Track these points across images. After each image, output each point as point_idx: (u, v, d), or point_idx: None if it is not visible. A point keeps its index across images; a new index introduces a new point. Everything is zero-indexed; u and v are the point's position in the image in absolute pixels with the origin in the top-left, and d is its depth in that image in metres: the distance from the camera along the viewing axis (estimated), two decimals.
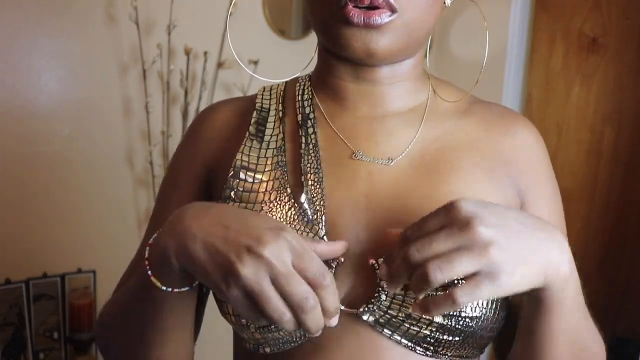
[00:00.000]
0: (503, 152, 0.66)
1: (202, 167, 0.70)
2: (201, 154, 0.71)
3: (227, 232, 0.51)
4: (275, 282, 0.49)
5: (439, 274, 0.47)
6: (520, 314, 0.60)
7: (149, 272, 0.56)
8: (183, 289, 0.57)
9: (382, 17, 0.57)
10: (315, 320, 0.50)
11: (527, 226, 0.51)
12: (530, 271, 0.50)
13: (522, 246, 0.49)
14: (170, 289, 0.56)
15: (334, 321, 0.53)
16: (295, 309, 0.49)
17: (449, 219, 0.49)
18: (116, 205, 1.92)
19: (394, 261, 0.51)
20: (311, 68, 0.73)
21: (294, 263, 0.50)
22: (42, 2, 1.72)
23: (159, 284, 0.56)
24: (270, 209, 0.61)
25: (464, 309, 0.56)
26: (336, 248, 0.57)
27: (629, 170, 1.84)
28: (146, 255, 0.57)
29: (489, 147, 0.66)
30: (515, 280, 0.49)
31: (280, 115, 0.69)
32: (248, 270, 0.48)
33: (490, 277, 0.48)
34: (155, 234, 0.58)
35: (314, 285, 0.50)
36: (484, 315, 0.58)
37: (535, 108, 2.01)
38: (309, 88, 0.70)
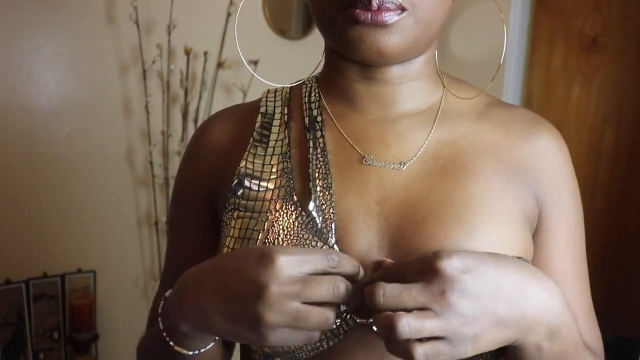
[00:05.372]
0: (522, 158, 0.63)
1: (206, 190, 0.68)
2: (202, 176, 0.69)
3: (231, 293, 0.51)
4: (301, 299, 0.49)
5: (406, 331, 0.47)
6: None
7: (172, 344, 0.58)
8: (209, 346, 0.59)
9: (391, 15, 0.54)
10: (355, 293, 0.52)
11: (506, 290, 0.50)
12: (496, 339, 0.50)
13: (494, 316, 0.49)
14: (197, 351, 0.58)
15: (363, 274, 0.54)
16: (333, 301, 0.51)
17: (428, 276, 0.49)
18: (116, 205, 1.92)
19: (359, 291, 0.52)
20: (317, 69, 0.71)
21: (300, 271, 0.50)
22: (42, 2, 1.72)
23: (185, 352, 0.58)
24: (276, 219, 0.59)
25: None
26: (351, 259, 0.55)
27: (629, 170, 1.84)
28: (162, 327, 0.58)
29: (507, 153, 0.63)
30: (479, 347, 0.50)
31: (286, 119, 0.67)
32: (271, 315, 0.49)
33: (453, 344, 0.48)
34: (164, 303, 0.59)
35: (330, 270, 0.51)
36: None
37: (535, 108, 2.01)
38: (317, 90, 0.67)
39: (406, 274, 0.51)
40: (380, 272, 0.54)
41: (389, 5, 0.54)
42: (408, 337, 0.47)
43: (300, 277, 0.50)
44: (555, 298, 0.53)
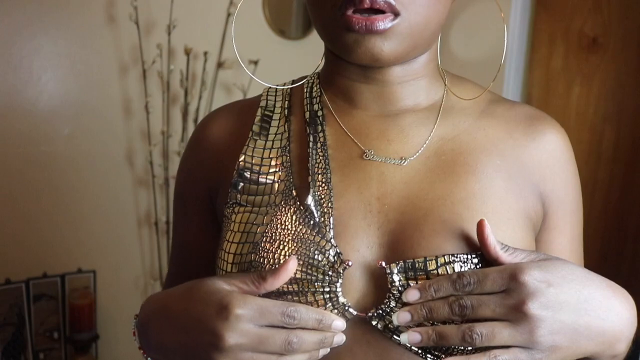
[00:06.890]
0: (526, 156, 0.62)
1: (206, 186, 0.69)
2: (203, 172, 0.69)
3: (188, 338, 0.54)
4: (256, 351, 0.52)
5: (478, 340, 0.50)
6: None
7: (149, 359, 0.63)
8: None
9: (384, 22, 0.54)
10: (313, 345, 0.53)
11: (587, 306, 0.52)
12: (574, 351, 0.52)
13: (575, 331, 0.51)
14: None
15: (338, 325, 0.55)
16: (288, 354, 0.53)
17: (509, 286, 0.51)
18: (116, 205, 1.92)
19: (428, 295, 0.53)
20: (318, 68, 0.71)
21: (258, 324, 0.52)
22: (42, 2, 1.72)
23: None
24: (275, 213, 0.59)
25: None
26: (284, 272, 0.54)
27: (629, 170, 1.84)
28: (138, 345, 0.62)
29: (511, 150, 0.62)
30: (557, 358, 0.51)
31: (286, 113, 0.67)
32: None
33: (530, 353, 0.51)
34: (135, 322, 0.64)
35: (287, 325, 0.53)
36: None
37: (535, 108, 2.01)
38: (318, 86, 0.67)
39: (486, 283, 0.52)
40: (454, 277, 0.54)
41: (380, 3, 0.54)
42: (480, 345, 0.50)
43: (256, 331, 0.52)
44: (632, 313, 0.54)
